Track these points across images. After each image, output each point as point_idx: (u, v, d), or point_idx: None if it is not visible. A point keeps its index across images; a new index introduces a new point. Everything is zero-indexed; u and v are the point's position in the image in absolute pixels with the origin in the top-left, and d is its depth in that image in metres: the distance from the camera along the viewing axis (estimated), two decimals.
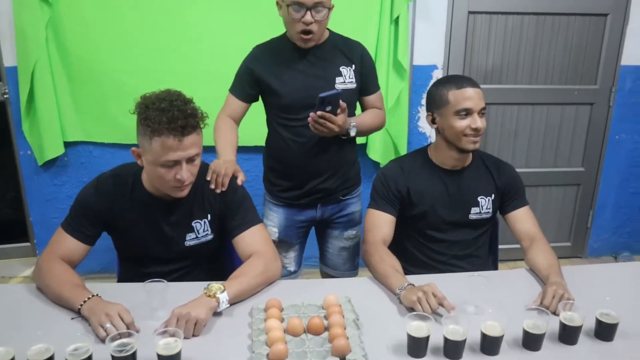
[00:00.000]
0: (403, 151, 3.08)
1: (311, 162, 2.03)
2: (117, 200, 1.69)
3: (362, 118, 2.06)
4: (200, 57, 2.90)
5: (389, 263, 1.73)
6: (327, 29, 2.02)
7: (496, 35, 3.11)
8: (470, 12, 3.04)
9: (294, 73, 1.97)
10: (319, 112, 1.81)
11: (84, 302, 1.46)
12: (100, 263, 3.12)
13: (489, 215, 1.94)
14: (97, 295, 1.50)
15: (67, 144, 3.03)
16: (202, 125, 1.57)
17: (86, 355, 1.21)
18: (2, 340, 1.25)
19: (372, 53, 2.86)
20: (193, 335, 1.40)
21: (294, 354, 1.30)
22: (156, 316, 1.47)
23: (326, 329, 1.41)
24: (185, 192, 1.62)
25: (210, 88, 2.84)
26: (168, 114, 1.48)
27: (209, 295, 1.48)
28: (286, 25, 1.94)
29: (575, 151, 3.41)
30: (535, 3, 3.07)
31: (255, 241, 1.71)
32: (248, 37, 2.80)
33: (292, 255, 2.22)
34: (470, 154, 1.92)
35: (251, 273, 1.62)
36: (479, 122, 1.76)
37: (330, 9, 1.89)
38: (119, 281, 1.94)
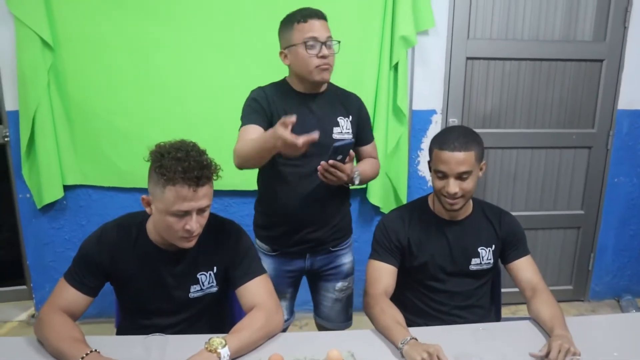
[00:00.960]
0: (403, 195, 3.08)
1: (303, 210, 2.02)
2: (120, 252, 1.67)
3: (362, 167, 2.07)
4: (194, 101, 2.93)
5: (391, 315, 1.71)
6: None
7: (494, 80, 3.15)
8: (468, 58, 3.09)
9: (299, 119, 1.91)
10: (331, 161, 1.80)
11: (82, 358, 1.43)
12: (96, 307, 3.06)
13: (490, 266, 1.92)
14: (96, 350, 1.47)
15: (66, 188, 3.03)
16: (215, 177, 1.57)
17: None
18: None
19: (371, 98, 2.92)
20: None
21: None
22: None
23: None
24: (192, 243, 1.61)
25: (205, 130, 2.89)
26: (184, 163, 1.49)
27: (210, 350, 1.45)
28: (300, 66, 1.95)
29: (575, 194, 3.41)
30: (531, 49, 3.12)
31: (259, 292, 1.69)
32: (241, 81, 2.86)
33: (283, 304, 2.15)
34: (471, 205, 1.92)
35: (253, 327, 1.59)
36: (451, 187, 1.75)
37: (338, 42, 1.97)
38: (118, 331, 1.90)
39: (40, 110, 2.83)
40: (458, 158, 1.73)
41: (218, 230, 1.74)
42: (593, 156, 3.35)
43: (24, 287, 3.34)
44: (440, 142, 1.77)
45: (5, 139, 3.01)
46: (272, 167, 2.00)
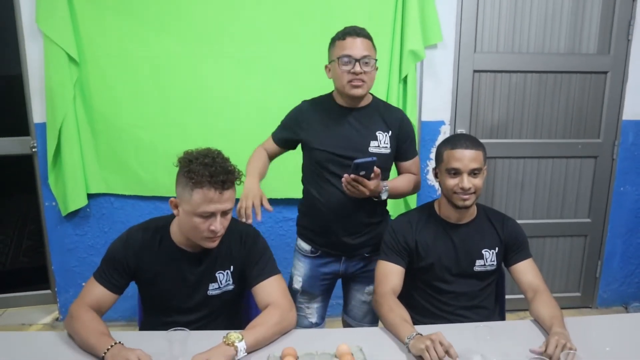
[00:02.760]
0: (413, 203, 3.18)
1: (340, 219, 2.11)
2: (145, 253, 1.80)
3: (395, 182, 2.14)
4: (214, 114, 3.05)
5: (398, 313, 1.81)
6: (370, 94, 2.16)
7: (501, 92, 3.25)
8: (475, 71, 3.19)
9: (333, 132, 2.08)
10: (352, 176, 1.89)
11: (108, 349, 1.55)
12: (118, 311, 3.20)
13: (493, 268, 2.02)
14: (120, 342, 1.58)
15: (89, 196, 3.16)
16: (237, 183, 1.70)
17: None
18: None
19: None
20: None
21: None
22: None
23: None
24: (215, 243, 1.73)
25: (224, 142, 2.99)
26: (211, 168, 1.62)
27: (228, 344, 1.56)
28: (336, 80, 2.06)
29: (581, 203, 3.48)
30: (537, 62, 3.21)
31: (274, 291, 1.80)
32: (260, 95, 2.98)
33: (314, 306, 2.27)
34: (475, 209, 2.02)
35: (268, 323, 1.70)
36: (465, 182, 1.87)
37: (376, 61, 2.06)
38: (140, 329, 2.02)
39: (66, 122, 2.97)
40: (471, 155, 1.87)
41: (235, 232, 1.85)
42: (599, 165, 3.42)
43: (48, 291, 3.47)
44: (452, 143, 1.91)
45: (33, 150, 3.16)
46: (312, 175, 2.14)
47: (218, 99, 3.04)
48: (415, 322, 1.80)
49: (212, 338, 1.61)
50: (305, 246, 2.24)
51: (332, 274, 2.23)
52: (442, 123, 3.22)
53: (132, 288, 2.01)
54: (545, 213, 3.47)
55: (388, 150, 2.11)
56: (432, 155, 3.23)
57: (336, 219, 2.11)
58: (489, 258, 2.00)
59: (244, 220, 1.86)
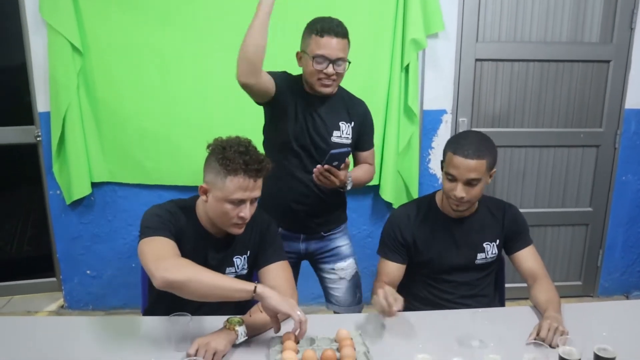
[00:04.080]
0: (414, 192, 3.20)
1: (299, 204, 2.17)
2: (178, 227, 1.73)
3: (356, 173, 2.20)
4: (217, 103, 3.05)
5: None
6: None
7: (502, 81, 3.25)
8: (477, 60, 3.19)
9: (299, 118, 2.11)
10: (326, 166, 1.94)
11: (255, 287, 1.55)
12: (121, 299, 3.24)
13: (494, 258, 2.02)
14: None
15: (93, 185, 3.18)
16: (265, 173, 1.71)
17: None
18: None
19: (383, 99, 3.03)
20: None
21: None
22: (179, 347, 1.57)
23: None
24: (242, 230, 1.75)
25: (226, 131, 3.00)
26: (246, 157, 1.64)
27: (229, 328, 1.59)
28: (306, 74, 2.09)
29: (583, 192, 3.49)
30: (539, 51, 3.21)
31: (278, 276, 1.83)
32: None
33: None
34: (476, 203, 2.00)
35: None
36: (459, 191, 1.83)
37: (348, 63, 2.07)
38: (144, 311, 2.03)
39: (70, 111, 2.99)
40: (469, 165, 1.80)
41: (253, 218, 1.83)
42: (601, 155, 3.42)
43: (53, 279, 3.51)
44: (455, 146, 1.84)
45: (38, 139, 3.19)
46: (280, 152, 2.14)
47: (221, 88, 3.03)
48: (415, 309, 1.83)
49: (215, 322, 1.64)
50: None
51: (294, 252, 2.26)
52: (443, 112, 3.23)
53: (136, 276, 2.04)
54: (546, 202, 3.48)
55: (349, 141, 2.17)
56: (434, 144, 3.25)
57: (295, 200, 2.16)
58: (490, 250, 2.00)
59: None
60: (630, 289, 3.70)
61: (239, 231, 1.74)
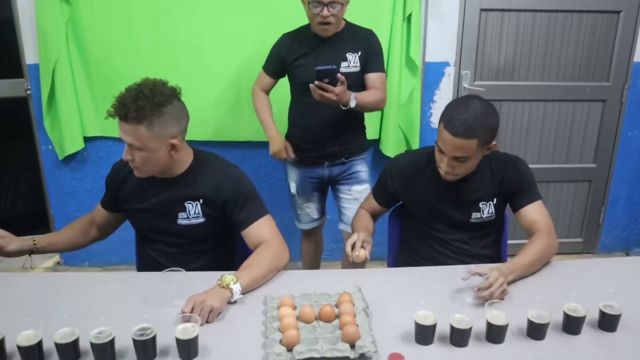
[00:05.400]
0: (415, 146, 3.13)
1: (319, 130, 2.48)
2: (125, 179, 1.88)
3: (362, 94, 2.38)
4: (212, 56, 2.97)
5: (363, 219, 2.02)
6: (344, 19, 2.43)
7: (508, 32, 3.14)
8: (482, 10, 3.07)
9: (310, 57, 2.40)
10: (317, 83, 2.16)
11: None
12: (118, 255, 3.21)
13: (492, 218, 1.93)
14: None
15: (86, 139, 3.12)
16: (140, 122, 1.63)
17: (109, 339, 1.28)
18: (30, 324, 1.32)
19: (385, 50, 2.91)
20: (207, 322, 1.46)
21: (306, 340, 1.35)
22: (173, 304, 1.53)
23: (337, 316, 1.46)
24: (137, 174, 1.75)
25: (221, 84, 2.94)
26: (119, 97, 1.65)
27: (223, 287, 1.54)
28: (309, 19, 2.37)
29: (587, 148, 3.43)
30: (547, 0, 3.09)
31: (264, 231, 1.79)
32: (257, 35, 2.91)
33: (312, 206, 2.71)
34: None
35: (261, 263, 1.69)
36: (444, 165, 1.76)
37: (344, 4, 2.30)
38: (138, 267, 2.04)
39: (59, 63, 2.90)
40: (457, 143, 1.69)
41: (215, 168, 1.84)
42: (607, 109, 3.34)
43: None
44: (448, 119, 1.71)
45: (28, 92, 3.09)
46: (294, 96, 2.56)
47: (216, 40, 2.95)
48: (417, 264, 1.78)
49: (210, 279, 1.59)
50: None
51: (318, 178, 2.62)
52: (446, 64, 3.13)
53: (131, 232, 2.01)
54: (550, 158, 3.42)
55: (358, 69, 2.44)
56: (436, 98, 3.17)
57: (314, 129, 2.49)
58: (485, 210, 1.91)
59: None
60: (631, 245, 3.69)
61: (136, 174, 1.75)
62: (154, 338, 1.30)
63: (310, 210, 2.72)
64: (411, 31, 2.93)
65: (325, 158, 2.55)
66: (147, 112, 1.63)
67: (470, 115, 1.68)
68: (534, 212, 1.88)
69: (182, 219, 1.81)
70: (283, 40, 2.50)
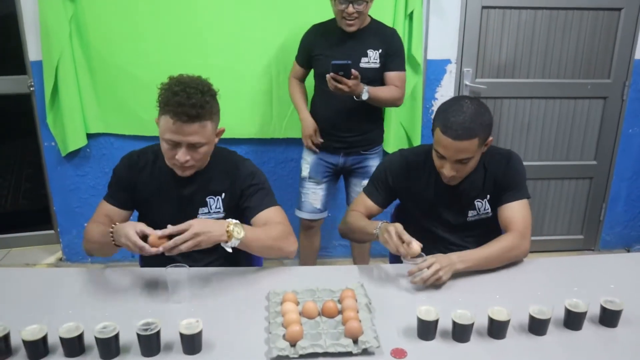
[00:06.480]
0: (417, 144, 3.12)
1: (337, 119, 2.60)
2: (140, 172, 1.82)
3: (377, 88, 2.50)
4: (214, 52, 2.97)
5: (364, 220, 1.91)
6: (370, 16, 2.55)
7: (509, 29, 3.14)
8: (483, 7, 3.08)
9: (332, 50, 2.52)
10: (332, 74, 2.32)
11: (111, 236, 1.60)
12: (120, 251, 3.20)
13: (488, 215, 1.92)
14: (116, 225, 1.61)
15: (89, 136, 3.12)
16: (209, 118, 1.64)
17: (113, 334, 1.29)
18: (35, 318, 1.33)
19: None
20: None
21: (309, 335, 1.36)
22: (177, 299, 1.54)
23: (339, 312, 1.47)
24: (187, 173, 1.72)
25: (224, 81, 2.92)
26: (177, 97, 1.59)
27: (227, 231, 1.56)
28: (334, 14, 2.48)
29: (588, 145, 3.43)
30: None
31: (275, 217, 1.78)
32: (260, 32, 2.92)
33: (320, 193, 2.78)
34: None
35: (269, 232, 1.70)
36: (447, 170, 1.73)
37: (369, 1, 2.42)
38: (141, 264, 2.03)
39: (62, 60, 2.90)
40: (459, 146, 1.66)
41: (231, 163, 1.84)
42: (608, 107, 3.34)
43: (51, 231, 3.48)
44: (444, 123, 1.67)
45: (31, 89, 3.10)
46: (317, 86, 2.68)
47: (219, 37, 2.96)
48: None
49: (213, 276, 1.60)
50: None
51: (333, 165, 2.73)
52: (448, 61, 3.14)
53: None
54: (550, 155, 3.42)
55: (377, 65, 2.55)
56: (438, 95, 3.18)
57: (334, 119, 2.61)
58: (481, 207, 1.90)
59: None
60: (632, 242, 3.70)
61: (182, 173, 1.72)
62: (158, 333, 1.31)
63: (316, 197, 2.78)
64: (413, 28, 2.93)
65: (342, 147, 2.66)
66: (212, 107, 1.66)
67: (467, 116, 1.66)
68: (514, 211, 1.82)
69: (202, 214, 1.81)
70: (311, 31, 2.64)
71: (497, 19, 3.12)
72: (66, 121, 3.02)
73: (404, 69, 2.62)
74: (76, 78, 2.98)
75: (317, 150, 2.68)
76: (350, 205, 2.10)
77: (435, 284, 1.60)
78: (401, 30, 2.91)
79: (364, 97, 2.43)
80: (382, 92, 2.53)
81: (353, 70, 2.33)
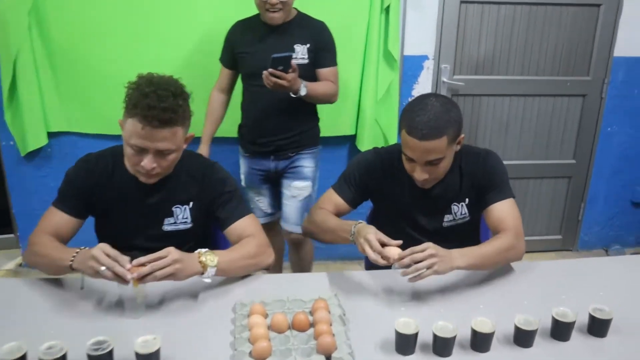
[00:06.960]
0: (393, 142, 3.04)
1: (266, 121, 2.43)
2: (98, 178, 1.67)
3: (314, 84, 2.36)
4: (181, 47, 2.85)
5: (334, 219, 1.78)
6: (295, 8, 2.38)
7: (488, 25, 3.07)
8: (462, 2, 3.01)
9: (258, 47, 2.35)
10: (270, 70, 2.13)
11: (73, 257, 1.44)
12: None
13: (466, 219, 1.83)
14: (84, 248, 1.46)
15: (50, 135, 2.98)
16: (181, 124, 1.52)
17: (60, 354, 1.16)
18: None
19: (362, 43, 2.86)
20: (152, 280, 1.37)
21: (278, 352, 1.26)
22: (137, 315, 1.42)
23: (311, 325, 1.37)
24: (151, 180, 1.59)
25: (192, 76, 2.80)
26: (147, 99, 1.45)
27: (200, 261, 1.46)
28: (257, 5, 2.30)
29: (567, 143, 3.39)
30: None
31: (249, 228, 1.68)
32: (228, 26, 2.79)
33: (263, 200, 2.65)
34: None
35: (244, 252, 1.60)
36: (418, 174, 1.65)
37: None
38: None
39: (21, 54, 2.75)
40: (426, 147, 1.57)
41: (197, 169, 1.72)
42: (587, 104, 3.31)
43: (11, 235, 3.32)
44: (409, 124, 1.58)
45: None
46: (245, 86, 2.50)
47: (186, 31, 2.83)
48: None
49: (175, 288, 1.48)
50: (242, 149, 2.61)
51: (264, 170, 2.55)
52: (425, 58, 3.06)
53: (90, 235, 1.88)
54: (529, 154, 3.38)
55: (306, 61, 2.36)
56: (414, 92, 3.10)
57: (263, 121, 2.44)
58: (458, 212, 1.81)
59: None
60: (610, 242, 3.67)
61: (146, 180, 1.59)
62: (110, 352, 1.19)
63: (263, 204, 2.65)
64: (389, 23, 2.84)
65: (271, 150, 2.48)
66: (185, 111, 1.53)
67: (432, 114, 1.57)
68: (503, 211, 1.72)
69: (168, 225, 1.70)
70: (234, 28, 2.47)
71: (475, 14, 3.05)
72: (25, 119, 2.86)
73: (335, 64, 2.45)
74: (36, 73, 2.83)
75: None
76: (317, 202, 1.91)
77: (425, 275, 1.44)
78: (377, 24, 2.83)
79: (302, 92, 2.27)
80: (319, 87, 2.38)
81: (293, 63, 2.16)
